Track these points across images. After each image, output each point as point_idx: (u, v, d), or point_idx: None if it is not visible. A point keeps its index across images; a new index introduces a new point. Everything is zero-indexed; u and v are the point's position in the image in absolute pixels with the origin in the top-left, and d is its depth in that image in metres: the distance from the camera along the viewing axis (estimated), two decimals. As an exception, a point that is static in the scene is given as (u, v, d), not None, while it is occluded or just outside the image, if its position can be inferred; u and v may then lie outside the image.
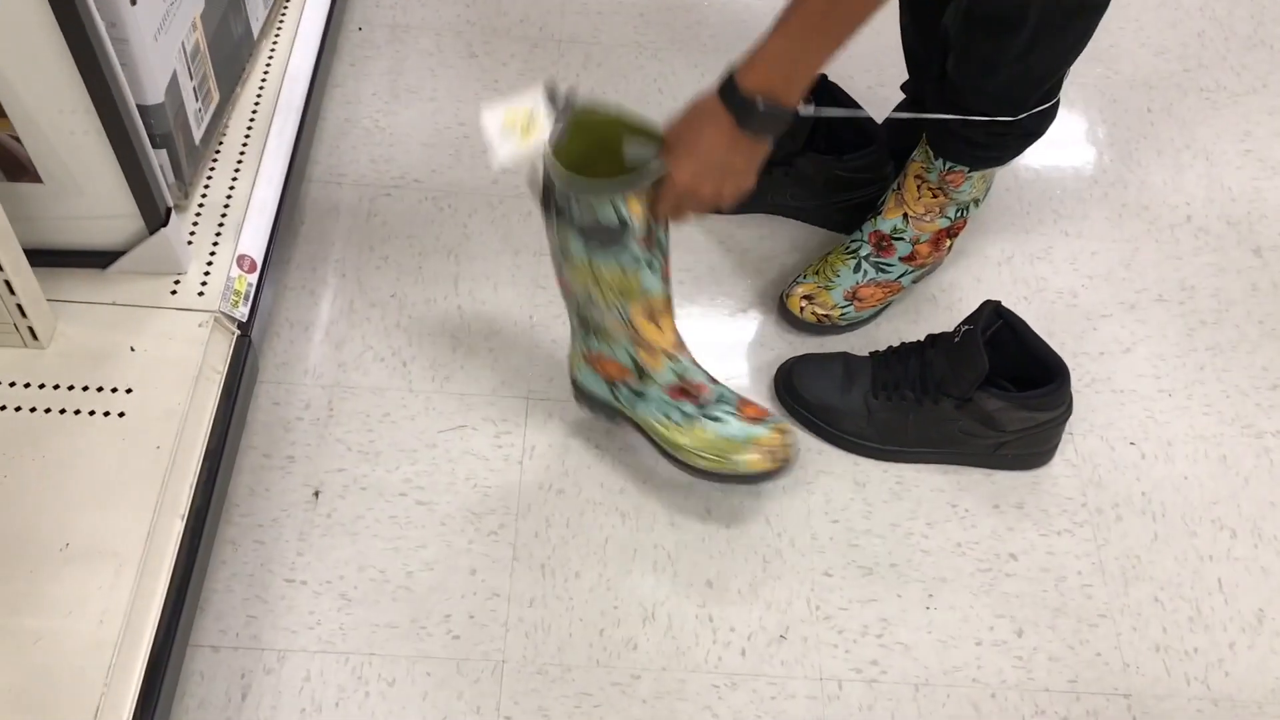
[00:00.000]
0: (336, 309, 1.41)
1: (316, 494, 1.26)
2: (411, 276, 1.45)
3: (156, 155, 1.17)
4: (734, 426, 1.20)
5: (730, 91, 0.98)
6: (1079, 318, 1.51)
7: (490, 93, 1.66)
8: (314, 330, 1.39)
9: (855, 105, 1.45)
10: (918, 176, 1.41)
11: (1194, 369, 1.47)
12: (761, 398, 1.39)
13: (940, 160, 1.37)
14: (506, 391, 1.36)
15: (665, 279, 1.10)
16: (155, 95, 1.11)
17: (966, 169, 1.37)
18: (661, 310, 1.12)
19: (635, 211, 1.01)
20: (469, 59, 1.70)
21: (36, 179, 1.07)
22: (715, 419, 1.20)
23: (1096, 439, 1.40)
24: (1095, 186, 1.66)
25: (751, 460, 1.20)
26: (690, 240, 1.52)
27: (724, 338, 1.44)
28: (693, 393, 1.19)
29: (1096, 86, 1.79)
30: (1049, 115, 1.32)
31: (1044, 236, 1.59)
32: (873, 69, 1.69)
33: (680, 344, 1.17)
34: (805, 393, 1.35)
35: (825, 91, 1.43)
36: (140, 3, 1.05)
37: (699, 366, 1.20)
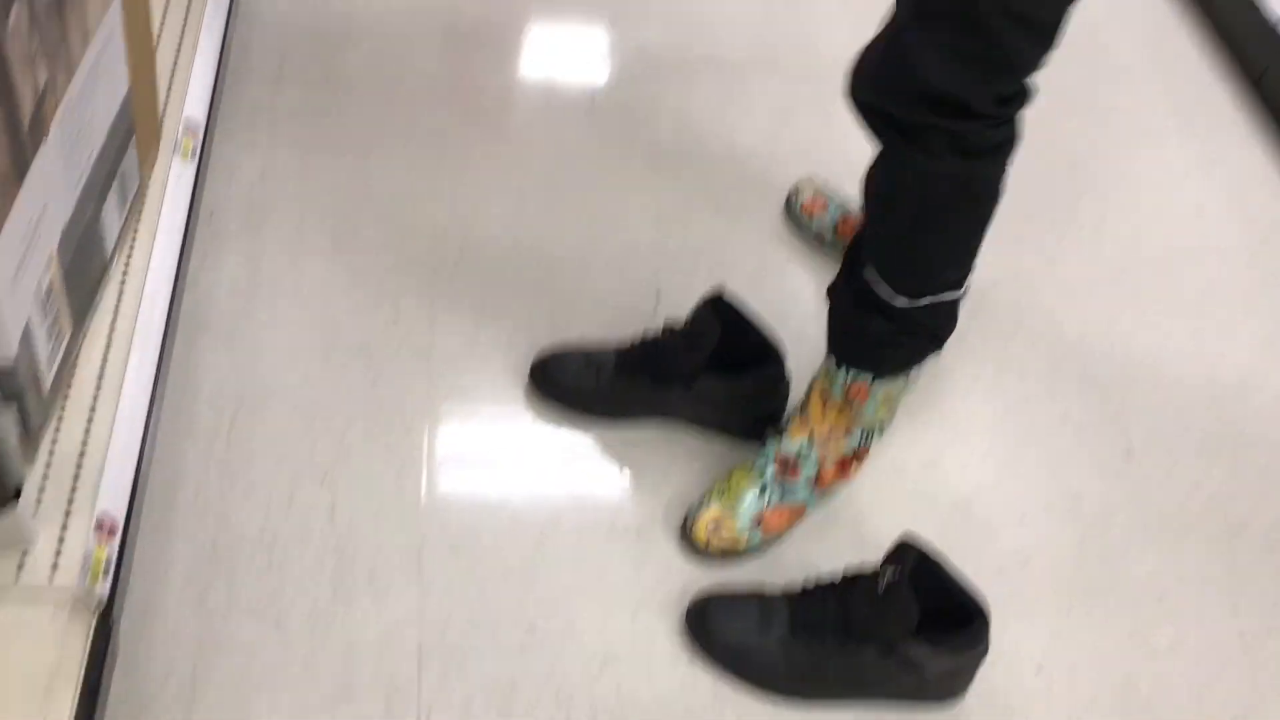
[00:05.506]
0: (197, 549, 1.25)
1: (183, 789, 1.10)
2: (282, 507, 1.31)
3: (3, 416, 1.00)
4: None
5: None
6: (975, 530, 1.49)
7: (360, 285, 1.54)
8: (171, 577, 1.23)
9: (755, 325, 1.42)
10: (822, 393, 1.38)
11: (1087, 581, 1.48)
12: (671, 636, 1.31)
13: (843, 369, 1.35)
14: (395, 645, 1.23)
15: None
16: (6, 354, 0.95)
17: (869, 378, 1.35)
18: None
19: None
20: (334, 247, 1.57)
21: None
22: None
23: (1005, 667, 1.37)
24: (976, 383, 1.66)
25: None
26: (581, 454, 1.44)
27: (623, 566, 1.35)
28: None
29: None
30: (951, 314, 1.34)
31: (934, 442, 1.57)
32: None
33: None
34: (721, 636, 1.28)
35: (726, 311, 1.39)
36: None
37: None
